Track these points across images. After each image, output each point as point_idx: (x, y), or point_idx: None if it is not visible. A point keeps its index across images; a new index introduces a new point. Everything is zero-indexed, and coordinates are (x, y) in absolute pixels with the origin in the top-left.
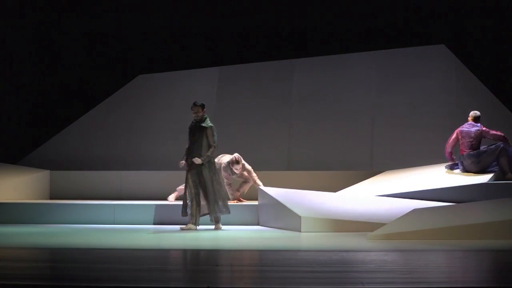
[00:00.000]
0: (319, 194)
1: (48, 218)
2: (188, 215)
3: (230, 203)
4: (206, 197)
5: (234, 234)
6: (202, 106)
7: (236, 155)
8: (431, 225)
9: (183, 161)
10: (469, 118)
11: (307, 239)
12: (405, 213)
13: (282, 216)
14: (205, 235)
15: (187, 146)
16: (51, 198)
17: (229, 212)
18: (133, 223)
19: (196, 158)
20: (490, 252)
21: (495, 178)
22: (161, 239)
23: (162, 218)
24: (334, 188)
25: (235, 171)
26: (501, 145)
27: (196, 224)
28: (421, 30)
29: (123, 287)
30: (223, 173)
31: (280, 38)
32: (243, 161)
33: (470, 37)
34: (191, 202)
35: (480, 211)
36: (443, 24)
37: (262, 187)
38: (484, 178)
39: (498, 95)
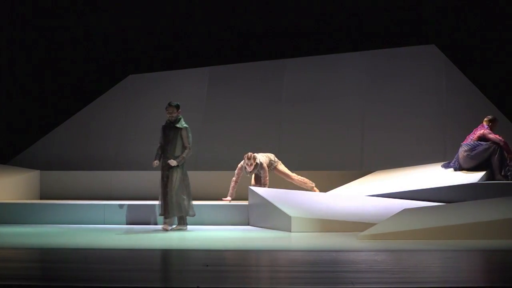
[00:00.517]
0: (309, 194)
1: (38, 218)
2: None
3: (223, 201)
4: (168, 197)
5: (224, 234)
6: (177, 106)
7: (253, 154)
8: (421, 225)
9: (156, 161)
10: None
11: (297, 239)
12: (395, 213)
13: (272, 216)
14: (195, 235)
15: (158, 146)
16: (41, 198)
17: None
18: (123, 223)
19: (172, 160)
20: (480, 252)
21: (485, 178)
22: (150, 239)
23: (147, 218)
24: (324, 188)
25: (247, 168)
26: (497, 145)
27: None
28: (411, 30)
29: (113, 287)
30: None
31: (271, 38)
32: (258, 161)
33: (460, 37)
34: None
35: (470, 211)
36: (433, 24)
37: (252, 187)
38: (474, 178)
39: (488, 94)
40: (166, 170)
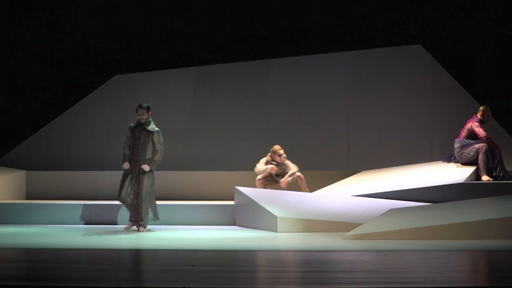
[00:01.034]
0: (295, 194)
1: (25, 218)
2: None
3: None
4: (138, 202)
5: (210, 234)
6: (148, 108)
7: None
8: (407, 225)
9: (127, 163)
10: None
11: (283, 239)
12: (381, 213)
13: (258, 216)
14: (181, 236)
15: (125, 146)
16: (27, 198)
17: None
18: (109, 223)
19: (145, 165)
20: (466, 252)
21: (471, 178)
22: (136, 239)
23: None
24: (310, 188)
25: (275, 159)
26: (486, 146)
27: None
28: (398, 30)
29: (98, 287)
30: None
31: (256, 38)
32: (284, 155)
33: (446, 37)
34: (127, 201)
35: (456, 211)
36: (419, 24)
37: (238, 187)
38: (460, 178)
39: (474, 94)
40: (136, 174)
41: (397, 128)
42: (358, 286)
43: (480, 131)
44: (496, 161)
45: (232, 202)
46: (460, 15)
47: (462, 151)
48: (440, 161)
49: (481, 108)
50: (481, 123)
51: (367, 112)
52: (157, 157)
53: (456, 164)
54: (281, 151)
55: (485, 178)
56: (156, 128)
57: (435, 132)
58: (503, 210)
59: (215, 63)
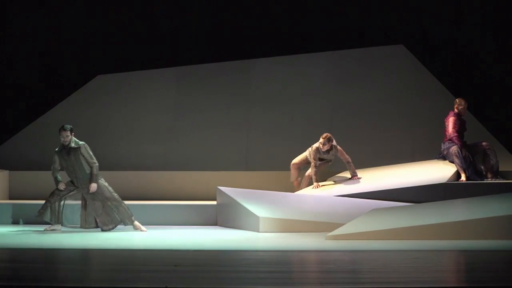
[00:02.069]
0: (278, 194)
1: (7, 219)
2: (48, 215)
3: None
4: (114, 207)
5: (193, 234)
6: (71, 130)
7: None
8: (390, 225)
9: (63, 184)
10: None
11: (265, 239)
12: (364, 213)
13: (240, 216)
14: (163, 235)
15: (55, 172)
16: (10, 199)
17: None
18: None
19: (92, 185)
20: (448, 252)
21: (453, 178)
22: (117, 239)
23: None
24: (293, 188)
25: (322, 148)
26: (456, 147)
27: (59, 222)
28: (380, 30)
29: (81, 287)
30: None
31: (238, 38)
32: (334, 143)
33: (428, 36)
34: (56, 202)
35: (438, 211)
36: (401, 24)
37: (220, 187)
38: (442, 178)
39: (457, 95)
40: (85, 194)
41: (379, 128)
42: (341, 286)
43: (449, 128)
44: (467, 161)
45: (214, 202)
46: (442, 14)
47: (446, 154)
48: (427, 160)
49: (456, 100)
50: (459, 116)
51: (349, 112)
52: (95, 170)
53: (439, 163)
54: (323, 140)
55: (463, 178)
56: (81, 142)
57: (417, 133)
58: (486, 210)
59: (198, 63)
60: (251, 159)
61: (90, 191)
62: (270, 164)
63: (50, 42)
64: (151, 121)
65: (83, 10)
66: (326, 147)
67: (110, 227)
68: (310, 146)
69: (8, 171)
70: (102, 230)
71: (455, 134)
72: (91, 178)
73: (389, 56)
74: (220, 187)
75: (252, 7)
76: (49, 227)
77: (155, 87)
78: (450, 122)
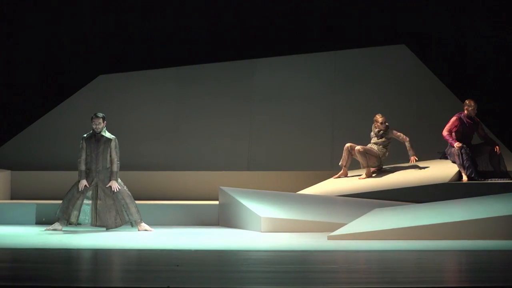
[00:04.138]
0: (280, 194)
1: (9, 219)
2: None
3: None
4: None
5: (194, 234)
6: (104, 118)
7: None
8: (392, 225)
9: (85, 182)
10: None
11: (267, 239)
12: (366, 213)
13: (242, 216)
14: (165, 235)
15: (81, 160)
16: (12, 199)
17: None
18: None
19: (114, 183)
20: (451, 252)
21: (455, 178)
22: (119, 239)
23: None
24: (295, 188)
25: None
26: (456, 148)
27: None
28: (381, 29)
29: (82, 287)
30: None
31: (241, 38)
32: (387, 124)
33: (431, 36)
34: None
35: (441, 211)
36: (403, 23)
37: (222, 187)
38: (445, 178)
39: (458, 95)
40: (101, 188)
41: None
42: (343, 286)
43: (445, 129)
44: (469, 162)
45: (216, 202)
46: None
47: (448, 154)
48: (429, 160)
49: (466, 101)
50: (465, 117)
51: (351, 112)
52: (117, 167)
53: (442, 163)
54: (381, 118)
55: (464, 178)
56: (113, 136)
57: (419, 133)
58: (488, 210)
59: (200, 63)
60: (254, 159)
61: (113, 189)
62: (273, 164)
63: (52, 41)
64: (153, 121)
65: (84, 10)
66: (381, 126)
67: (117, 225)
68: (311, 145)
69: (10, 171)
70: (108, 229)
71: (446, 133)
72: (112, 175)
73: (391, 55)
74: (222, 187)
75: (254, 7)
76: (51, 226)
77: (157, 87)
78: (449, 121)
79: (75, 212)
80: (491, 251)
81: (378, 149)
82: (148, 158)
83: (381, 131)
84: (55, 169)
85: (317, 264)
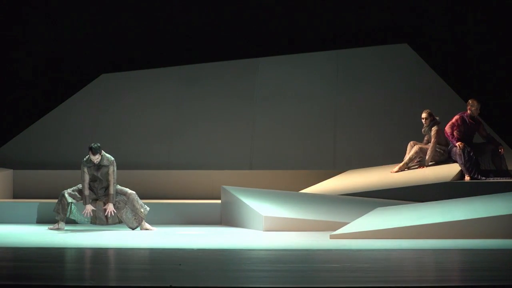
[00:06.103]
0: (282, 193)
1: (11, 218)
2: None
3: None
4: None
5: (197, 233)
6: (99, 148)
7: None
8: (394, 224)
9: (91, 207)
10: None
11: (269, 238)
12: (368, 212)
13: (244, 215)
14: (167, 235)
15: (84, 184)
16: (14, 198)
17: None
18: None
19: (110, 205)
20: (453, 251)
21: (457, 177)
22: (122, 238)
23: None
24: (297, 187)
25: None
26: (459, 148)
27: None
28: (384, 29)
29: (85, 286)
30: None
31: (243, 37)
32: (437, 118)
33: (433, 36)
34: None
35: (442, 210)
36: (406, 23)
37: (224, 186)
38: (447, 177)
39: (461, 94)
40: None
41: (383, 127)
42: (345, 285)
43: (446, 128)
44: (471, 161)
45: (218, 201)
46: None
47: (450, 153)
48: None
49: (469, 101)
50: (467, 117)
51: (353, 111)
52: (114, 190)
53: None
54: (424, 114)
55: (466, 178)
56: (112, 158)
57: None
58: (490, 210)
59: (202, 62)
60: (256, 158)
61: (107, 212)
62: (275, 163)
63: (54, 41)
64: (155, 120)
65: (87, 9)
66: (427, 121)
67: (139, 222)
68: (314, 144)
69: (12, 170)
70: (134, 228)
71: (448, 130)
72: (109, 198)
73: (394, 54)
74: (224, 186)
75: (256, 6)
76: (54, 226)
77: (159, 86)
78: (452, 118)
79: (66, 207)
80: (493, 250)
81: (422, 148)
82: (150, 157)
83: (425, 128)
84: (58, 168)
85: (319, 263)
